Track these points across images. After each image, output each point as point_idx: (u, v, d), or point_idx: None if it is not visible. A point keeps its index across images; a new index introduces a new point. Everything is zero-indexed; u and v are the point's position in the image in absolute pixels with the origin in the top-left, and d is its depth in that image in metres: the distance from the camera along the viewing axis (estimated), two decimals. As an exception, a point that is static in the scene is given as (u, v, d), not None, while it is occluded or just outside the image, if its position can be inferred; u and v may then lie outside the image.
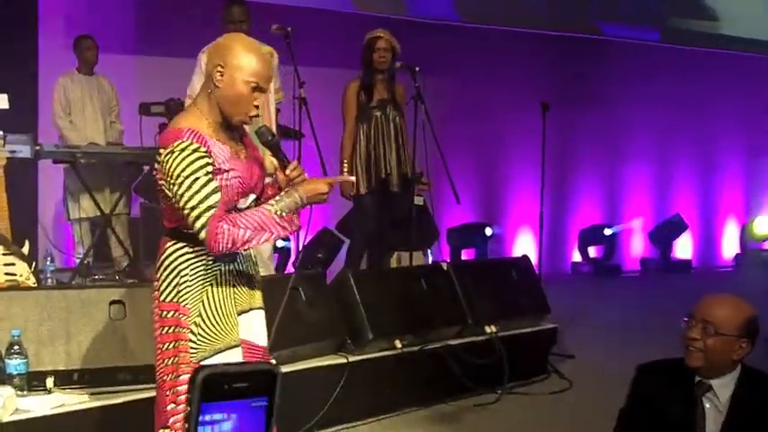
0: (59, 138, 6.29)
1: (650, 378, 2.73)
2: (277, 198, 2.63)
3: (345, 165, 5.72)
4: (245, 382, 0.87)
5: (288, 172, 2.69)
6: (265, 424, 0.90)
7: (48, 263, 5.57)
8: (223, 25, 5.18)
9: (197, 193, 2.53)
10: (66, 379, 3.72)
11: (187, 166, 2.54)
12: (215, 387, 0.85)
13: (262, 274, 5.17)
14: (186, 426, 0.85)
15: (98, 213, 6.04)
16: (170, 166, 2.56)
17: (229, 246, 2.55)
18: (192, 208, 2.53)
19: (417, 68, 5.71)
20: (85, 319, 3.83)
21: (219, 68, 2.62)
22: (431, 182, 5.98)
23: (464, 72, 9.18)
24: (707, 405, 2.61)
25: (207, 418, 0.86)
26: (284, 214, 2.59)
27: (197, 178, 2.54)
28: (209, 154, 2.57)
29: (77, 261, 6.10)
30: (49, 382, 3.67)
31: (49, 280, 5.45)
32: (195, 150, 2.55)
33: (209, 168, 2.56)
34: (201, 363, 2.66)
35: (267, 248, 5.53)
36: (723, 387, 2.60)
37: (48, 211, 7.12)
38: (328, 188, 2.70)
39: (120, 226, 6.29)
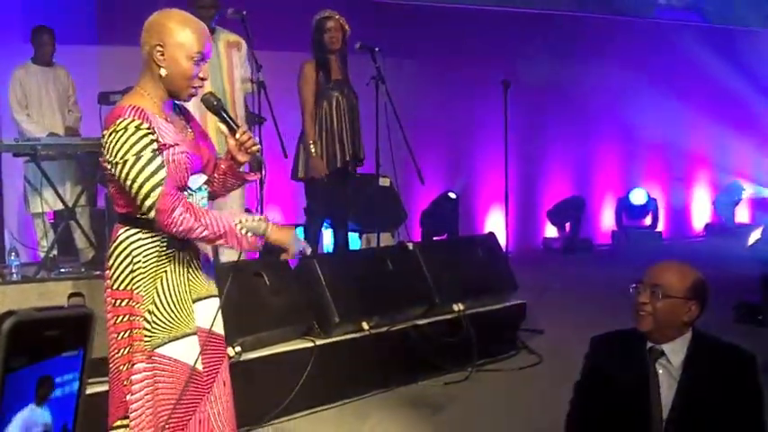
0: (18, 132, 6.21)
1: (603, 349, 2.74)
2: (249, 217, 2.60)
3: (313, 146, 5.68)
4: (58, 329, 0.81)
5: (237, 136, 2.67)
6: (78, 380, 0.83)
7: (12, 258, 5.51)
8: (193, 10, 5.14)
9: (142, 170, 2.48)
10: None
11: (131, 145, 2.49)
12: (23, 336, 0.77)
13: (234, 259, 5.16)
14: None
15: (60, 206, 5.97)
16: (113, 146, 2.51)
17: (183, 233, 2.52)
18: (140, 186, 2.48)
19: (377, 49, 5.69)
20: (44, 312, 3.78)
21: (159, 48, 2.59)
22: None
23: (425, 52, 9.13)
24: (660, 371, 2.61)
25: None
26: (248, 234, 2.56)
27: (141, 155, 2.49)
28: (152, 130, 2.52)
29: (42, 255, 6.04)
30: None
31: (14, 275, 5.39)
32: (138, 127, 2.50)
33: (154, 146, 2.51)
34: (156, 350, 2.63)
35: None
36: (675, 352, 2.61)
37: (11, 206, 7.02)
38: (291, 255, 2.73)
39: (84, 217, 6.23)
